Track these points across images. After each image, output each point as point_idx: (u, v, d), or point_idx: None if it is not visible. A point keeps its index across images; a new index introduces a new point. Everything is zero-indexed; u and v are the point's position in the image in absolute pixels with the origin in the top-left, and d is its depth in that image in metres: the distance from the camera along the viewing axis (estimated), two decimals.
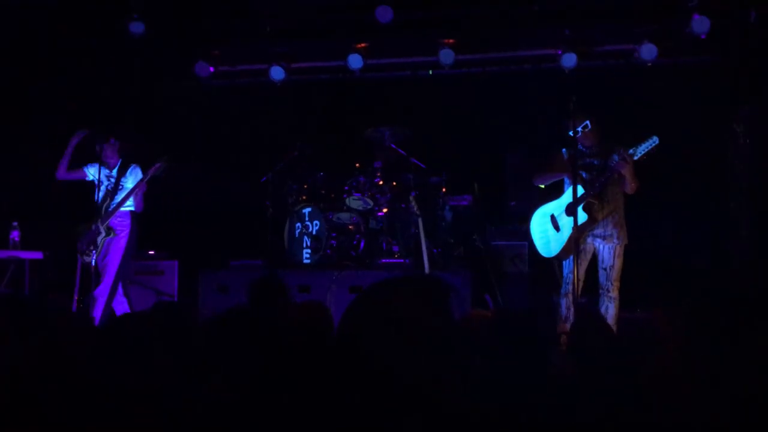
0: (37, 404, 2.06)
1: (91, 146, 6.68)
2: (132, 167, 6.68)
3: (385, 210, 7.76)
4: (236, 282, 7.02)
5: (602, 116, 5.80)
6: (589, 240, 5.68)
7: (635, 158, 5.38)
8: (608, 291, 5.61)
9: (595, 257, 5.74)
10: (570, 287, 5.64)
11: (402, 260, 7.31)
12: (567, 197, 5.72)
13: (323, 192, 8.01)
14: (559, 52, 7.83)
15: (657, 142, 5.35)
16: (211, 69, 8.41)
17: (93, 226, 6.56)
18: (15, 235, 6.81)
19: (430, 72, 8.48)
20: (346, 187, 7.83)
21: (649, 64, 7.69)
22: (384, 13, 7.49)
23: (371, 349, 1.53)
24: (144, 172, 6.56)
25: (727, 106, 7.69)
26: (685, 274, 7.07)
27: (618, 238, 5.64)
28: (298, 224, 7.80)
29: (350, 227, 7.84)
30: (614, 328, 5.41)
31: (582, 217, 5.50)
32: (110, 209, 6.44)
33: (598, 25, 7.81)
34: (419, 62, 8.47)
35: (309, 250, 7.74)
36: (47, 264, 7.16)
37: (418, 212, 6.88)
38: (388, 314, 1.56)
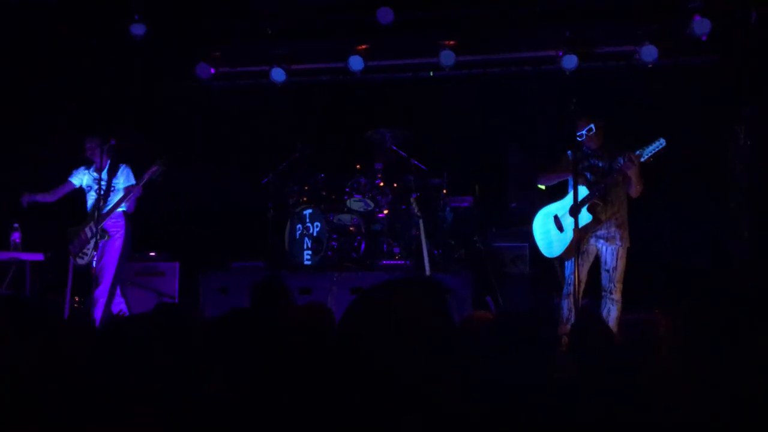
0: (38, 405, 2.07)
1: (76, 152, 6.69)
2: (122, 167, 6.66)
3: (385, 211, 7.76)
4: (237, 283, 7.03)
5: (603, 117, 5.80)
6: (592, 241, 5.68)
7: (642, 160, 5.37)
8: (611, 293, 5.60)
9: (597, 259, 5.73)
10: (571, 288, 5.63)
11: (403, 262, 7.31)
12: (571, 198, 5.72)
13: (324, 193, 8.01)
14: (560, 54, 7.83)
15: (664, 144, 5.33)
16: (212, 70, 8.41)
17: (86, 229, 6.56)
18: (16, 236, 6.82)
19: (431, 73, 8.47)
20: (346, 189, 7.83)
21: (650, 66, 7.68)
22: (385, 15, 7.49)
23: (370, 350, 1.53)
24: (139, 175, 6.55)
25: (727, 106, 7.68)
26: (686, 274, 7.07)
27: (620, 240, 5.64)
28: (299, 226, 7.80)
29: (351, 229, 7.84)
30: (615, 330, 5.41)
31: (587, 217, 5.51)
32: (104, 212, 6.40)
33: (598, 26, 7.81)
34: (420, 64, 8.46)
35: (310, 252, 7.73)
36: (48, 265, 7.16)
37: (418, 214, 6.88)
38: (386, 316, 1.56)
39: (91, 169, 6.72)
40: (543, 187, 6.41)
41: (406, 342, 1.54)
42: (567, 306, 5.66)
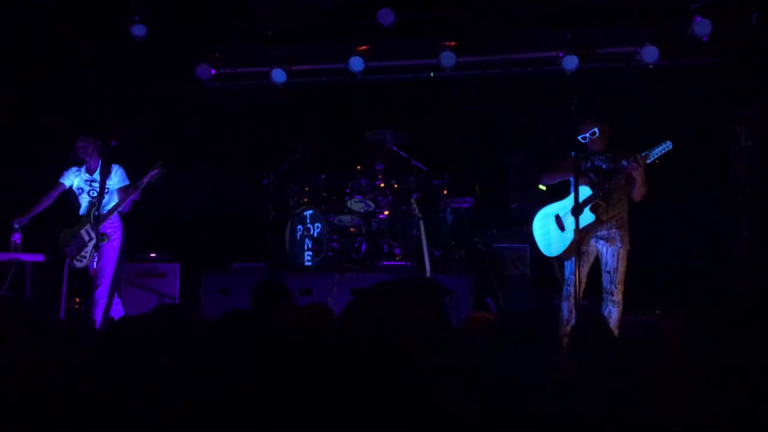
0: (38, 406, 2.07)
1: (67, 153, 6.69)
2: (115, 168, 6.62)
3: (386, 212, 7.75)
4: (238, 284, 7.03)
5: (608, 120, 5.80)
6: (592, 242, 5.68)
7: (648, 161, 5.36)
8: (612, 295, 5.60)
9: (597, 260, 5.73)
10: (571, 290, 5.62)
11: (403, 263, 7.31)
12: (573, 198, 5.72)
13: (324, 194, 8.01)
14: (561, 55, 7.83)
15: (670, 147, 5.32)
16: (213, 71, 8.41)
17: (82, 232, 6.54)
18: (16, 237, 6.80)
19: (432, 74, 8.48)
20: (347, 190, 7.83)
21: (651, 66, 7.68)
22: (385, 16, 7.49)
23: (368, 351, 1.53)
24: (138, 177, 6.53)
25: (728, 107, 7.68)
26: (687, 275, 7.07)
27: (621, 242, 5.63)
28: (300, 227, 7.80)
29: (351, 229, 7.84)
30: (616, 331, 5.40)
31: (589, 217, 5.51)
32: (103, 213, 6.35)
33: (599, 27, 7.81)
34: (420, 65, 8.47)
35: (310, 253, 7.73)
36: (48, 267, 7.15)
37: (419, 215, 6.87)
38: (383, 316, 1.56)
39: (83, 170, 6.70)
40: (544, 187, 6.41)
41: (403, 343, 1.54)
42: (567, 307, 5.65)
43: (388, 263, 7.33)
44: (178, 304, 7.20)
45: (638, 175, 5.43)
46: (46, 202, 6.65)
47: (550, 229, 5.90)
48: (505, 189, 8.33)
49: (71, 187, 6.71)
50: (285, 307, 3.89)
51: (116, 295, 6.61)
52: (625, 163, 5.57)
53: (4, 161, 7.71)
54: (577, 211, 5.31)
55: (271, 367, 2.01)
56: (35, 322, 2.81)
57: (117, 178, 6.63)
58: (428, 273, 6.69)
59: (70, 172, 6.72)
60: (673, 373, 1.96)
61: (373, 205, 7.73)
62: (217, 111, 8.71)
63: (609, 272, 5.62)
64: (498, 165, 8.36)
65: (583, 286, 5.53)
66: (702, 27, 7.19)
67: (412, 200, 7.15)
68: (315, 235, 7.73)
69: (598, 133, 5.65)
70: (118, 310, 6.56)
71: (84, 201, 6.67)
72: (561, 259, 5.87)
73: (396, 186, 7.80)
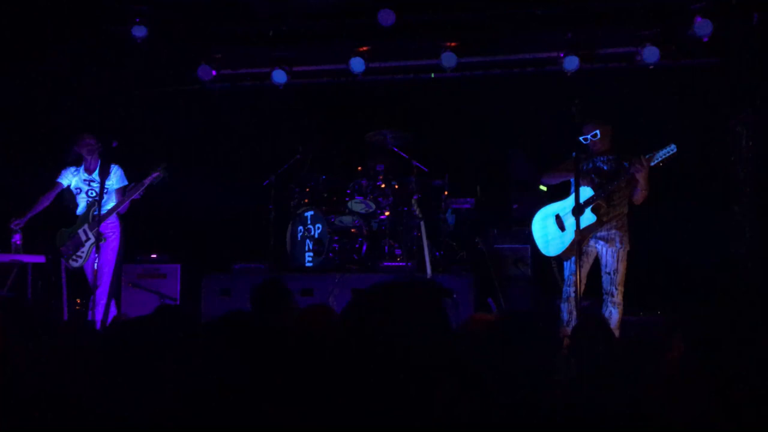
0: (39, 407, 2.07)
1: (65, 152, 6.69)
2: (114, 168, 6.62)
3: (387, 213, 7.75)
4: (239, 285, 7.03)
5: (610, 122, 5.80)
6: (592, 242, 5.68)
7: (652, 164, 5.36)
8: (612, 296, 5.60)
9: (596, 260, 5.73)
10: (570, 291, 5.63)
11: (404, 263, 7.31)
12: (574, 198, 5.72)
13: (325, 195, 8.02)
14: (561, 55, 7.83)
15: (675, 150, 5.31)
16: (214, 72, 8.41)
17: (79, 231, 6.54)
18: (17, 238, 6.80)
19: (432, 75, 8.48)
20: (348, 191, 7.83)
21: (652, 67, 7.68)
22: (386, 17, 7.49)
23: (367, 352, 1.53)
24: (139, 179, 6.54)
25: (729, 108, 7.68)
26: (688, 276, 7.07)
27: (620, 243, 5.63)
28: (301, 227, 7.80)
29: (352, 230, 7.84)
30: (617, 332, 5.40)
31: (590, 218, 5.50)
32: (102, 214, 6.33)
33: (600, 28, 7.80)
34: (421, 65, 8.47)
35: (311, 254, 7.74)
36: (49, 268, 7.16)
37: (420, 215, 6.87)
38: (381, 317, 1.56)
39: (81, 170, 6.70)
40: (544, 188, 6.41)
41: (402, 343, 1.54)
42: (567, 309, 5.65)
43: (389, 264, 7.33)
44: (179, 305, 7.21)
45: (642, 177, 5.43)
46: (45, 202, 6.64)
47: (550, 228, 5.90)
48: (506, 189, 8.33)
49: (69, 186, 6.71)
50: (285, 308, 3.88)
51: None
52: (627, 164, 5.57)
53: (4, 162, 7.71)
54: (578, 211, 5.31)
55: (272, 368, 2.01)
56: (36, 323, 2.81)
57: (116, 179, 6.63)
58: (429, 274, 6.69)
59: (67, 171, 6.71)
60: (675, 374, 1.96)
61: (373, 206, 7.73)
62: (217, 112, 8.71)
63: (609, 273, 5.61)
64: (499, 165, 8.36)
65: (582, 286, 5.53)
66: (703, 27, 7.19)
67: (413, 201, 7.14)
68: (316, 235, 7.73)
69: (599, 135, 5.65)
70: (110, 311, 6.56)
71: (82, 201, 6.66)
72: (560, 259, 5.87)
73: (397, 187, 7.80)
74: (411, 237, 7.49)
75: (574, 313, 5.55)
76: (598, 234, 5.65)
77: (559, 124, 5.87)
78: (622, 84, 7.73)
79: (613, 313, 5.55)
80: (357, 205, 7.77)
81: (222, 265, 7.57)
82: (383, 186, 7.75)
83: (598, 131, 5.63)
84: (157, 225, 8.21)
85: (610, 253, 5.63)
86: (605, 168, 5.71)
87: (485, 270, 7.54)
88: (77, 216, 6.66)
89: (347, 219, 7.83)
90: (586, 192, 5.50)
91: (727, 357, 1.87)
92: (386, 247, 7.65)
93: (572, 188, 5.82)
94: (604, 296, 5.64)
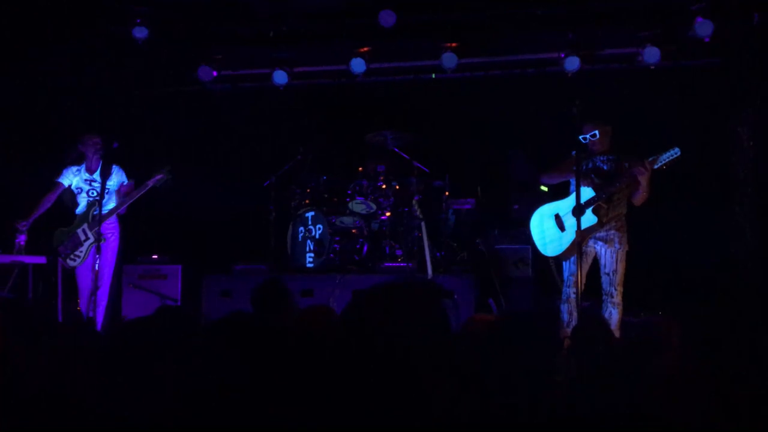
0: (40, 408, 2.07)
1: (68, 150, 6.69)
2: (115, 168, 6.63)
3: (388, 214, 7.75)
4: (240, 286, 7.03)
5: (609, 122, 5.80)
6: (591, 243, 5.67)
7: (655, 167, 5.35)
8: (612, 296, 5.59)
9: (595, 261, 5.72)
10: (570, 292, 5.63)
11: (405, 264, 7.31)
12: (574, 198, 5.71)
13: (326, 196, 8.01)
14: (562, 56, 7.82)
15: (678, 153, 5.31)
16: (214, 73, 8.41)
17: (78, 231, 6.54)
18: (21, 239, 6.79)
19: (433, 76, 8.47)
20: (348, 191, 7.83)
21: (653, 68, 7.67)
22: (387, 18, 7.49)
23: (367, 352, 1.53)
24: (142, 180, 6.55)
25: (730, 108, 7.68)
26: (689, 277, 7.06)
27: (619, 243, 5.62)
28: (301, 228, 7.80)
29: (353, 231, 7.84)
30: (617, 333, 5.40)
31: (591, 219, 5.49)
32: (103, 214, 6.34)
33: (601, 28, 7.80)
34: (422, 66, 8.46)
35: (312, 254, 7.74)
36: (51, 269, 7.16)
37: (420, 216, 6.88)
38: (381, 318, 1.56)
39: (82, 170, 6.71)
40: (545, 188, 6.41)
41: (401, 344, 1.54)
42: (567, 310, 5.65)
43: (390, 264, 7.33)
44: (179, 306, 7.21)
45: (644, 180, 5.41)
46: (47, 203, 6.64)
47: (549, 228, 5.88)
48: (507, 190, 8.33)
49: (70, 186, 6.72)
50: (286, 308, 3.89)
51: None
52: (627, 164, 5.57)
53: (4, 162, 7.72)
54: (578, 211, 5.30)
55: (272, 368, 2.01)
56: (37, 324, 2.82)
57: (117, 179, 6.65)
58: (430, 274, 6.69)
59: (68, 171, 6.72)
60: (675, 374, 1.96)
61: (374, 207, 7.73)
62: (218, 113, 8.71)
63: (608, 274, 5.61)
64: (499, 166, 8.36)
65: (581, 286, 5.52)
66: (704, 28, 7.19)
67: (414, 202, 7.15)
68: (316, 236, 7.73)
69: (598, 135, 5.65)
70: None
71: (82, 201, 6.67)
72: (559, 259, 5.86)
73: (397, 187, 7.80)
74: (412, 238, 7.49)
75: (574, 313, 5.55)
76: (597, 234, 5.65)
77: (560, 124, 5.86)
78: (623, 84, 7.72)
79: (613, 314, 5.55)
80: (358, 205, 7.76)
81: (223, 265, 7.57)
82: (384, 187, 7.75)
83: (597, 131, 5.63)
84: (158, 226, 8.21)
85: (609, 253, 5.62)
86: (605, 168, 5.70)
87: (486, 271, 7.54)
88: (76, 215, 6.66)
89: (348, 220, 7.83)
90: (586, 192, 5.50)
91: (727, 357, 1.87)
92: (387, 248, 7.65)
93: (571, 188, 5.82)
94: (604, 297, 5.63)
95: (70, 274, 6.71)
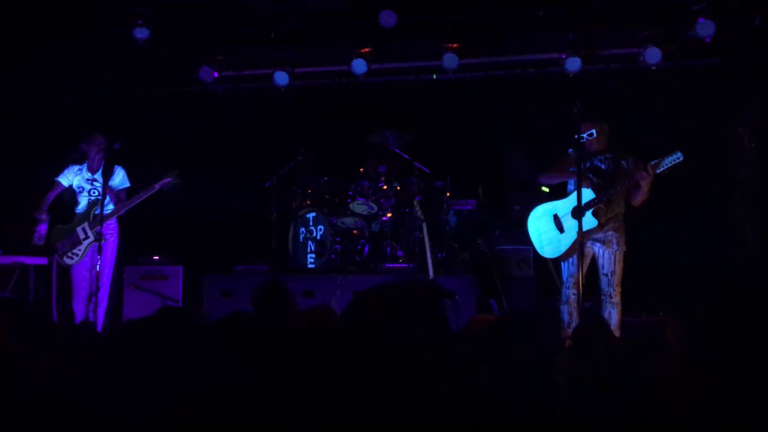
0: (41, 409, 2.07)
1: (70, 149, 6.71)
2: (117, 169, 6.66)
3: (389, 214, 7.75)
4: (241, 287, 7.03)
5: (606, 120, 5.79)
6: (588, 244, 5.66)
7: (658, 171, 5.34)
8: (611, 297, 5.59)
9: (593, 261, 5.71)
10: (570, 293, 5.63)
11: (406, 265, 7.31)
12: (573, 199, 5.70)
13: (327, 197, 8.01)
14: (563, 56, 7.82)
15: (681, 158, 5.29)
16: (215, 74, 8.42)
17: (77, 229, 6.55)
18: (42, 228, 6.65)
19: (434, 76, 8.48)
20: (350, 192, 7.83)
21: (654, 68, 7.67)
22: (388, 18, 7.49)
23: (366, 353, 1.53)
24: (149, 182, 6.57)
25: (731, 109, 7.67)
26: (690, 278, 7.05)
27: (617, 245, 5.62)
28: (302, 229, 7.80)
29: (354, 232, 7.84)
30: (618, 332, 5.40)
31: (592, 222, 5.47)
32: (105, 214, 6.35)
33: (602, 29, 7.80)
34: (423, 66, 8.47)
35: (313, 255, 7.74)
36: (52, 270, 7.17)
37: (422, 217, 6.87)
38: (381, 319, 1.56)
39: (84, 169, 6.73)
40: (547, 189, 6.40)
41: (401, 345, 1.54)
42: (567, 311, 5.65)
43: (391, 265, 7.33)
44: (180, 307, 7.22)
45: (645, 184, 5.40)
46: (49, 200, 6.66)
47: (547, 229, 5.87)
48: (508, 191, 8.33)
49: (70, 185, 6.73)
50: (286, 309, 3.89)
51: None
52: (624, 164, 5.57)
53: (4, 162, 7.73)
54: (579, 212, 5.29)
55: (273, 369, 2.02)
56: (38, 324, 2.82)
57: (118, 180, 6.67)
58: (431, 275, 6.69)
59: (69, 170, 6.74)
60: (675, 374, 1.96)
61: (375, 207, 7.72)
62: (219, 113, 8.72)
63: (606, 275, 5.61)
64: (500, 167, 8.36)
65: (581, 287, 5.51)
66: (705, 28, 7.18)
67: (415, 202, 7.15)
68: (318, 237, 7.73)
69: (595, 134, 5.63)
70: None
71: (83, 200, 6.69)
72: (557, 261, 5.86)
73: (398, 188, 7.80)
74: (413, 238, 7.48)
75: (575, 314, 5.55)
76: (596, 236, 5.64)
77: (561, 125, 5.85)
78: (624, 85, 7.72)
79: (613, 314, 5.55)
80: (359, 206, 7.76)
81: (224, 266, 7.58)
82: (385, 187, 7.75)
83: (594, 130, 5.60)
84: (160, 227, 8.22)
85: (606, 255, 5.62)
86: (603, 167, 5.70)
87: (487, 271, 7.53)
88: (75, 214, 6.67)
89: (349, 220, 7.82)
90: (585, 194, 5.48)
91: (727, 357, 1.87)
92: (388, 249, 7.65)
93: (569, 188, 5.82)
94: (603, 297, 5.63)
95: (65, 274, 6.71)
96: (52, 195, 6.67)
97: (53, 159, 6.98)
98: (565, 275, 5.76)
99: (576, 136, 5.56)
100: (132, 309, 7.45)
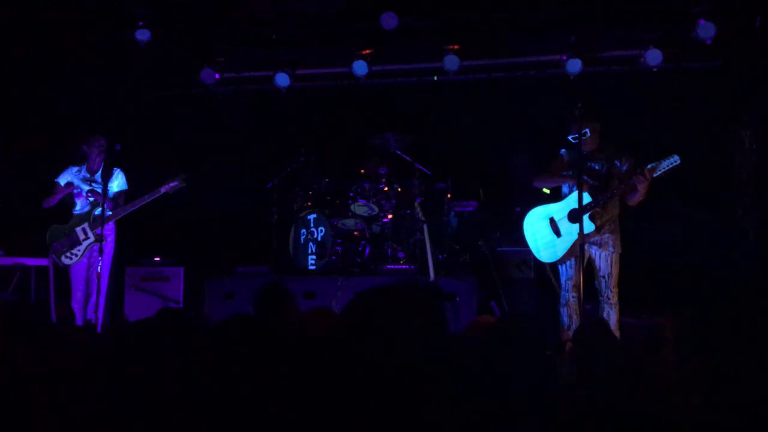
0: (42, 410, 2.07)
1: (71, 150, 6.73)
2: (116, 171, 6.67)
3: (390, 216, 7.75)
4: (242, 288, 7.04)
5: (607, 121, 5.79)
6: (585, 247, 5.64)
7: (655, 175, 5.33)
8: (609, 298, 5.58)
9: (590, 264, 5.70)
10: (569, 296, 5.63)
11: (407, 266, 7.30)
12: (569, 202, 5.69)
13: (328, 198, 8.02)
14: (564, 58, 7.82)
15: (678, 162, 5.27)
16: (217, 75, 8.42)
17: (77, 230, 6.56)
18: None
19: (435, 78, 8.48)
20: (351, 194, 7.83)
21: (655, 70, 7.67)
22: (389, 20, 7.50)
23: (366, 354, 1.53)
24: (154, 185, 6.60)
25: (732, 111, 7.67)
26: (692, 280, 7.04)
27: (613, 247, 5.61)
28: (304, 230, 7.80)
29: (355, 233, 7.84)
30: (617, 333, 5.39)
31: (589, 226, 5.46)
32: (106, 215, 6.36)
33: (603, 30, 7.79)
34: (424, 68, 8.47)
35: (314, 257, 7.74)
36: (53, 271, 7.17)
37: (423, 218, 6.88)
38: (380, 321, 1.56)
39: (83, 170, 6.74)
40: (547, 190, 6.39)
41: (401, 344, 1.54)
42: (566, 313, 5.65)
43: (392, 267, 7.33)
44: (181, 308, 7.23)
45: (642, 188, 5.39)
46: (54, 199, 6.68)
47: (544, 233, 5.86)
48: (509, 192, 8.32)
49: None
50: (287, 310, 3.89)
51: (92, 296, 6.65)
52: (618, 163, 5.57)
53: (4, 163, 7.74)
54: (580, 213, 5.28)
55: (273, 369, 2.02)
56: (39, 326, 2.82)
57: (117, 182, 6.69)
58: (431, 277, 6.69)
59: (68, 172, 6.76)
60: (675, 375, 1.96)
61: (376, 209, 7.72)
62: (221, 115, 8.72)
63: (604, 277, 5.60)
64: (502, 168, 8.35)
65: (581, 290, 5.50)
66: (706, 30, 7.18)
67: (416, 204, 7.15)
68: (319, 238, 7.73)
69: (589, 134, 5.60)
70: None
71: (81, 200, 6.70)
72: (555, 265, 5.85)
73: (399, 190, 7.80)
74: (414, 240, 7.48)
75: (575, 317, 5.56)
76: (592, 239, 5.63)
77: (562, 126, 5.85)
78: (625, 87, 7.72)
79: (611, 315, 5.54)
80: (360, 208, 7.76)
81: (225, 267, 7.58)
82: (386, 189, 7.75)
83: (587, 130, 5.58)
84: (161, 228, 8.22)
85: (603, 257, 5.61)
86: (596, 167, 5.68)
87: (488, 273, 7.52)
88: (73, 215, 6.69)
89: (350, 222, 7.82)
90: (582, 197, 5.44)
91: (728, 359, 1.87)
92: (389, 250, 7.65)
93: (564, 190, 5.82)
94: (600, 299, 5.63)
95: (62, 274, 6.72)
96: (57, 196, 6.68)
97: (54, 160, 6.99)
98: (563, 278, 5.75)
99: (570, 138, 5.57)
100: (133, 310, 7.45)
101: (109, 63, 8.19)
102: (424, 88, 8.56)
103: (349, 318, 1.63)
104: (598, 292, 5.63)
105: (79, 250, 6.55)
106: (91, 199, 6.62)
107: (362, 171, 7.98)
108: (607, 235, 5.62)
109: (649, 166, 5.33)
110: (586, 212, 5.42)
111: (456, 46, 7.95)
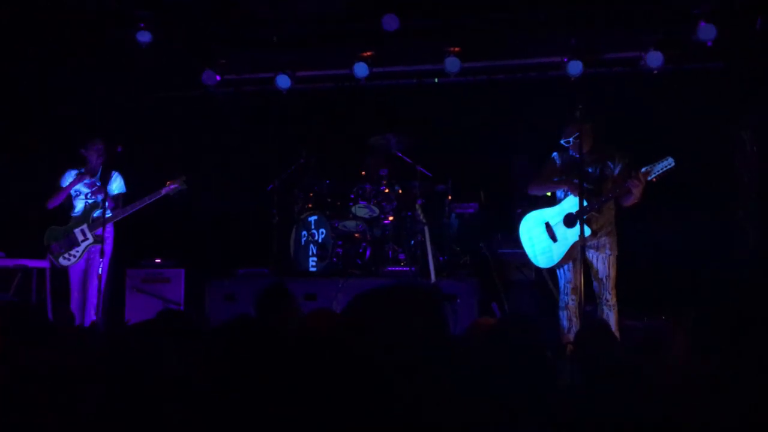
0: (42, 410, 2.07)
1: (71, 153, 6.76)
2: (114, 174, 6.71)
3: (391, 218, 7.75)
4: (243, 290, 7.04)
5: (608, 123, 5.78)
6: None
7: (649, 178, 5.31)
8: (607, 300, 5.58)
9: (587, 267, 5.68)
10: (568, 299, 5.62)
11: (408, 268, 7.30)
12: (564, 207, 5.68)
13: (329, 200, 8.02)
14: (565, 60, 7.82)
15: (673, 164, 5.25)
16: (218, 77, 8.43)
17: (75, 231, 6.58)
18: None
19: (436, 80, 8.48)
20: (351, 195, 7.83)
21: (655, 72, 7.67)
22: (390, 22, 7.50)
23: (365, 355, 1.53)
24: (154, 187, 6.62)
25: (733, 112, 7.66)
26: (693, 282, 7.04)
27: (610, 249, 5.60)
28: (304, 232, 7.80)
29: (356, 235, 7.84)
30: (617, 334, 5.39)
31: (585, 231, 5.44)
32: (106, 217, 6.37)
33: (604, 32, 7.80)
34: (425, 70, 8.47)
35: (315, 258, 7.74)
36: (54, 272, 7.18)
37: (423, 220, 6.88)
38: (380, 322, 1.56)
39: (82, 173, 6.77)
40: (548, 192, 6.39)
41: (400, 345, 1.54)
42: (566, 316, 5.64)
43: (393, 269, 7.33)
44: (182, 310, 7.22)
45: (637, 191, 5.37)
46: (57, 199, 6.71)
47: (540, 239, 5.83)
48: (510, 194, 8.31)
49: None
50: (289, 312, 3.89)
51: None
52: (611, 164, 5.56)
53: (4, 165, 7.75)
54: (580, 215, 5.27)
55: (274, 370, 2.02)
56: (39, 327, 2.82)
57: (116, 185, 6.72)
58: (432, 278, 6.69)
59: (68, 174, 6.78)
60: (676, 376, 1.95)
61: (377, 211, 7.72)
62: (221, 117, 8.73)
63: (602, 279, 5.59)
64: (502, 170, 8.35)
65: (581, 293, 5.50)
66: (707, 32, 7.18)
67: (417, 206, 7.15)
68: (320, 240, 7.74)
69: (580, 136, 5.57)
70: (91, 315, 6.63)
71: (80, 203, 6.73)
72: (553, 269, 5.84)
73: (400, 191, 7.80)
74: (415, 242, 7.48)
75: (574, 320, 5.55)
76: (589, 243, 5.62)
77: (563, 128, 5.85)
78: (626, 88, 7.71)
79: (610, 316, 5.54)
80: (361, 209, 7.76)
81: (226, 269, 7.58)
82: (387, 191, 7.75)
83: (577, 132, 5.54)
84: (161, 229, 8.22)
85: (600, 260, 5.61)
86: (590, 170, 5.65)
87: (489, 275, 7.52)
88: (71, 217, 6.71)
89: (351, 224, 7.82)
90: (577, 202, 5.39)
91: (729, 360, 1.87)
92: (390, 252, 7.65)
93: (558, 194, 5.81)
94: (599, 301, 5.62)
95: (60, 276, 6.74)
96: (59, 197, 6.71)
97: (54, 163, 7.00)
98: (562, 282, 5.75)
99: (562, 141, 5.56)
100: (133, 312, 7.45)
101: (110, 63, 8.19)
102: (425, 90, 8.56)
103: (349, 318, 1.63)
104: (597, 295, 5.63)
105: (77, 252, 6.56)
106: (90, 201, 6.64)
107: (363, 173, 7.99)
108: (604, 238, 5.61)
109: (643, 170, 5.31)
110: (582, 216, 5.41)
111: (457, 48, 7.96)
